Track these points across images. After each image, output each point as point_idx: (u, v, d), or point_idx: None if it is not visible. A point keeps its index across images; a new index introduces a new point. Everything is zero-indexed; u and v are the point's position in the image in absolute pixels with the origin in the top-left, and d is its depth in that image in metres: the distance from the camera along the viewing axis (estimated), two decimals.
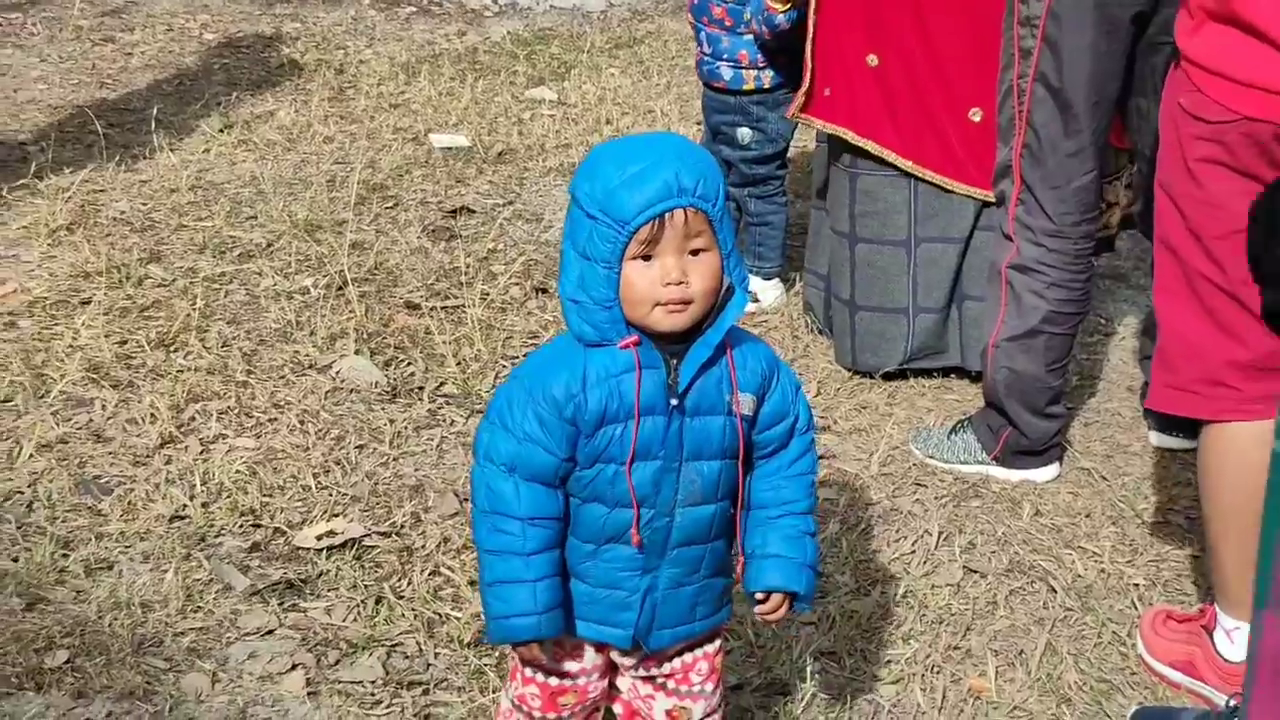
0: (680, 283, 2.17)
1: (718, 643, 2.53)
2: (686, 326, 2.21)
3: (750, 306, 4.91)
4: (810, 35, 4.36)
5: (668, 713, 2.52)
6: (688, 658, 2.50)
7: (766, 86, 4.89)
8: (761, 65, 4.87)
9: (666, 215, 2.14)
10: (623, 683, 2.54)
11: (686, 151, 2.20)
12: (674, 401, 2.24)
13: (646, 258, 2.17)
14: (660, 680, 2.50)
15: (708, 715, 2.54)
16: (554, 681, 2.46)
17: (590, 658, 2.45)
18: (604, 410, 2.23)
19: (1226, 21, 2.71)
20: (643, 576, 2.35)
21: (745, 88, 4.90)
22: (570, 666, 2.45)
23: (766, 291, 5.11)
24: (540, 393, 2.24)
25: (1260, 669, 1.30)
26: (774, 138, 4.98)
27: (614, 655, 2.47)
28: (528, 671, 2.46)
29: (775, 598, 2.40)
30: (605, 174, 2.18)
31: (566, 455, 2.26)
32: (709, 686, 2.52)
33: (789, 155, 5.13)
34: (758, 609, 2.42)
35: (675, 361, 2.25)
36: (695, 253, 2.18)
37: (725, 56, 4.89)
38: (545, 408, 2.24)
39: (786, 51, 4.75)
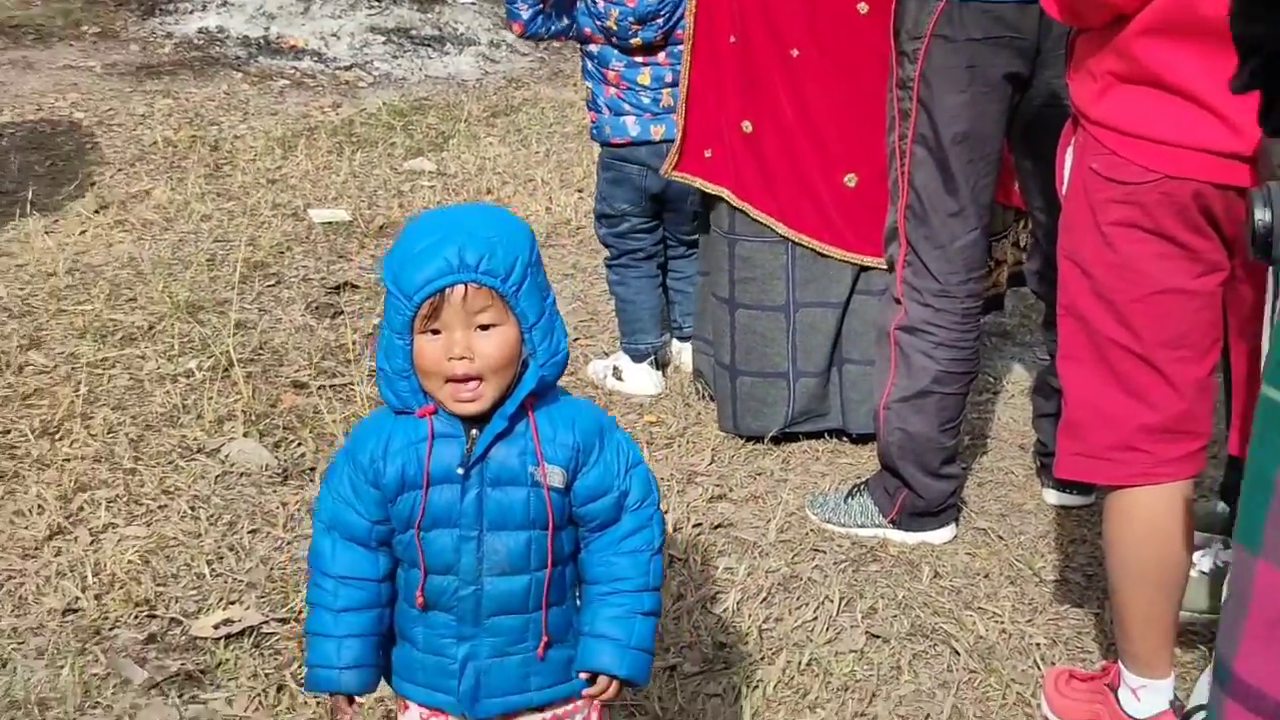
0: (464, 357, 2.21)
1: (573, 706, 2.45)
2: (481, 411, 2.25)
3: (613, 384, 4.91)
4: (684, 95, 4.41)
5: None
6: None
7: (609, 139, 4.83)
8: (592, 119, 4.85)
9: (446, 290, 2.18)
10: None
11: (479, 226, 2.23)
12: (460, 470, 2.27)
13: (435, 331, 2.21)
14: None
15: None
16: None
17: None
18: (402, 476, 2.28)
19: (1141, 83, 2.72)
20: (460, 644, 2.35)
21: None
22: None
23: (630, 373, 4.99)
24: (353, 457, 2.32)
25: (1251, 618, 1.32)
26: (606, 196, 4.86)
27: None
28: None
29: (601, 679, 2.37)
30: (401, 248, 2.24)
31: (377, 518, 2.32)
32: None
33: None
34: (584, 691, 2.39)
35: (476, 431, 2.28)
36: (485, 327, 2.22)
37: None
38: (355, 471, 2.31)
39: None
